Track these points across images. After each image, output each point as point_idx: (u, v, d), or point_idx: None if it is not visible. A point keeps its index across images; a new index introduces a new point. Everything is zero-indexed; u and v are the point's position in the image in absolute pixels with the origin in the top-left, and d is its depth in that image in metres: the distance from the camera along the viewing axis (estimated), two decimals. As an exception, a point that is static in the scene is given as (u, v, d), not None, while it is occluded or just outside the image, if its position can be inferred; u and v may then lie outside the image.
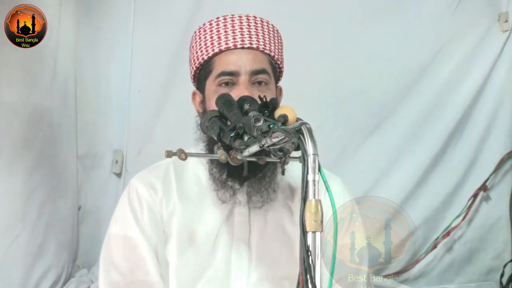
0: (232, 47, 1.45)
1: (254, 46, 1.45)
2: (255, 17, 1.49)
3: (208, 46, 1.47)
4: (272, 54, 1.47)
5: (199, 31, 1.51)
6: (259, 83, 1.43)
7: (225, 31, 1.47)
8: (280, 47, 1.52)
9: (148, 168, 1.55)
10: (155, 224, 1.46)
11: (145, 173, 1.54)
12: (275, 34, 1.51)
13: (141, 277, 1.42)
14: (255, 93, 1.35)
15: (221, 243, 1.47)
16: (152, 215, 1.47)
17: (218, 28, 1.48)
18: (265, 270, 1.46)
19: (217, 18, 1.49)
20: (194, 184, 1.52)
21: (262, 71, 1.43)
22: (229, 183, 1.46)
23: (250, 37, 1.45)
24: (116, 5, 2.60)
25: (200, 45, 1.49)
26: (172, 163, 1.53)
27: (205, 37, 1.49)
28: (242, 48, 1.45)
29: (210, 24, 1.50)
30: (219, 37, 1.47)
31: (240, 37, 1.45)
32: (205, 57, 1.48)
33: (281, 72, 1.54)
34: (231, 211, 1.48)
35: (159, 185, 1.49)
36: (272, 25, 1.51)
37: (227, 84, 1.43)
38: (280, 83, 1.56)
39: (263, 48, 1.45)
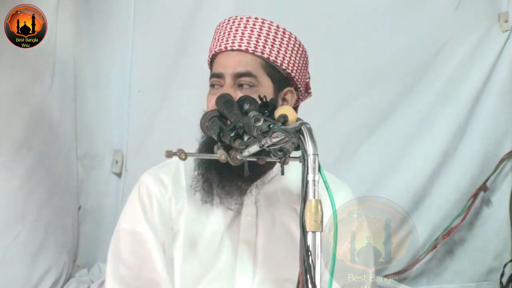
0: (224, 49, 1.48)
1: (243, 48, 1.45)
2: (256, 18, 1.49)
3: (211, 47, 1.54)
4: (267, 56, 1.46)
5: (214, 30, 1.55)
6: (242, 85, 1.44)
7: (224, 33, 1.50)
8: (288, 51, 1.49)
9: (158, 165, 1.56)
10: (164, 221, 1.47)
11: (155, 169, 1.55)
12: (282, 37, 1.49)
13: (148, 274, 1.43)
14: (238, 96, 1.36)
15: (227, 243, 1.48)
16: (162, 211, 1.48)
17: (220, 29, 1.52)
18: (269, 271, 1.46)
19: (228, 18, 1.52)
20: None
21: (246, 74, 1.44)
22: (238, 183, 1.45)
23: (241, 39, 1.46)
24: (116, 5, 2.60)
25: (211, 44, 1.55)
26: (182, 161, 1.53)
27: (213, 37, 1.54)
28: (232, 50, 1.46)
29: (219, 25, 1.54)
30: (218, 39, 1.51)
31: (232, 39, 1.47)
32: (209, 58, 1.55)
33: (289, 76, 1.50)
34: (239, 212, 1.49)
35: (169, 183, 1.51)
36: (282, 29, 1.50)
37: (214, 85, 1.47)
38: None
39: (253, 50, 1.45)
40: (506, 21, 2.57)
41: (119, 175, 2.65)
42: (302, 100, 1.62)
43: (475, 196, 2.58)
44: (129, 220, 1.50)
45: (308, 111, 1.64)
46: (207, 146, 1.43)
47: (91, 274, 2.54)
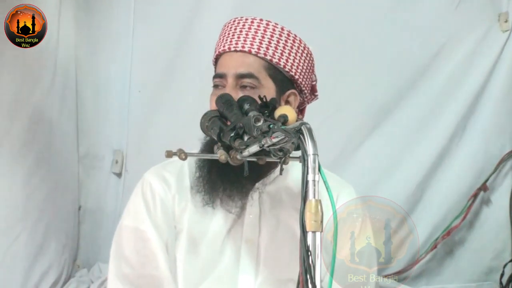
0: (227, 50, 1.48)
1: (246, 49, 1.45)
2: (261, 19, 1.49)
3: (216, 46, 1.53)
4: (269, 58, 1.45)
5: (221, 29, 1.55)
6: (245, 87, 1.43)
7: (228, 33, 1.50)
8: (292, 53, 1.49)
9: (162, 163, 1.56)
10: (167, 219, 1.48)
11: (159, 168, 1.55)
12: (286, 39, 1.48)
13: (151, 272, 1.44)
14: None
15: (230, 243, 1.47)
16: (165, 210, 1.48)
17: (226, 29, 1.52)
18: (272, 271, 1.46)
19: (234, 19, 1.52)
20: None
21: (248, 75, 1.44)
22: (242, 183, 1.45)
23: (244, 41, 1.46)
24: (116, 5, 2.60)
25: (216, 43, 1.55)
26: (186, 160, 1.54)
27: (219, 36, 1.54)
28: (235, 51, 1.46)
29: (225, 25, 1.54)
30: (223, 39, 1.51)
31: (235, 40, 1.47)
32: (214, 58, 1.54)
33: (293, 78, 1.50)
34: (242, 212, 1.48)
35: (173, 181, 1.51)
36: (287, 31, 1.49)
37: (218, 86, 1.47)
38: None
39: (256, 51, 1.45)
40: (506, 21, 2.57)
41: (119, 175, 2.65)
42: (308, 103, 1.62)
43: (475, 196, 2.58)
44: (132, 218, 1.50)
45: (308, 111, 1.64)
46: (209, 147, 1.43)
47: (91, 274, 2.54)
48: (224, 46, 1.49)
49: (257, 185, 1.49)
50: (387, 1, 2.59)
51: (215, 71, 1.52)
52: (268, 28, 1.48)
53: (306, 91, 1.55)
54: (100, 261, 2.56)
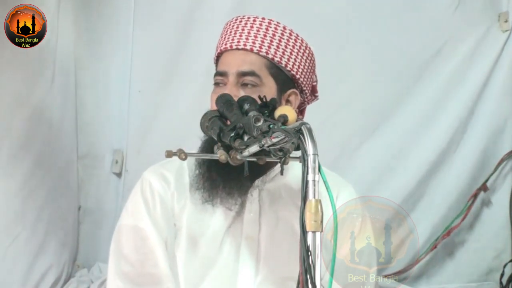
0: (229, 48, 1.48)
1: (248, 48, 1.46)
2: (263, 18, 1.50)
3: (218, 45, 1.54)
4: (271, 56, 1.46)
5: (223, 28, 1.55)
6: (246, 85, 1.44)
7: (230, 32, 1.51)
8: (294, 53, 1.50)
9: (161, 162, 1.56)
10: (166, 217, 1.48)
11: (158, 166, 1.56)
12: (288, 38, 1.49)
13: (151, 270, 1.44)
14: (241, 95, 1.36)
15: (230, 240, 1.48)
16: (164, 207, 1.49)
17: (227, 28, 1.53)
18: (272, 269, 1.47)
19: (236, 17, 1.53)
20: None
21: (249, 73, 1.44)
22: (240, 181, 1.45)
23: (246, 39, 1.47)
24: (116, 5, 2.60)
25: (217, 42, 1.55)
26: None
27: (221, 35, 1.55)
28: (237, 49, 1.47)
29: (227, 23, 1.54)
30: (225, 37, 1.52)
31: (237, 38, 1.48)
32: (215, 56, 1.55)
33: (294, 77, 1.51)
34: (242, 209, 1.49)
35: (172, 179, 1.51)
36: (289, 30, 1.50)
37: (219, 84, 1.47)
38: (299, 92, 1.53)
39: (258, 50, 1.46)
40: (506, 21, 2.57)
41: (119, 175, 2.65)
42: (308, 103, 1.62)
43: (475, 196, 2.58)
44: (131, 216, 1.51)
45: (308, 111, 1.65)
46: (208, 145, 1.43)
47: (91, 274, 2.54)
48: (226, 44, 1.49)
49: (256, 182, 1.49)
50: (387, 1, 2.59)
51: (216, 69, 1.52)
52: (270, 27, 1.48)
53: (306, 91, 1.55)
54: (100, 261, 2.56)
